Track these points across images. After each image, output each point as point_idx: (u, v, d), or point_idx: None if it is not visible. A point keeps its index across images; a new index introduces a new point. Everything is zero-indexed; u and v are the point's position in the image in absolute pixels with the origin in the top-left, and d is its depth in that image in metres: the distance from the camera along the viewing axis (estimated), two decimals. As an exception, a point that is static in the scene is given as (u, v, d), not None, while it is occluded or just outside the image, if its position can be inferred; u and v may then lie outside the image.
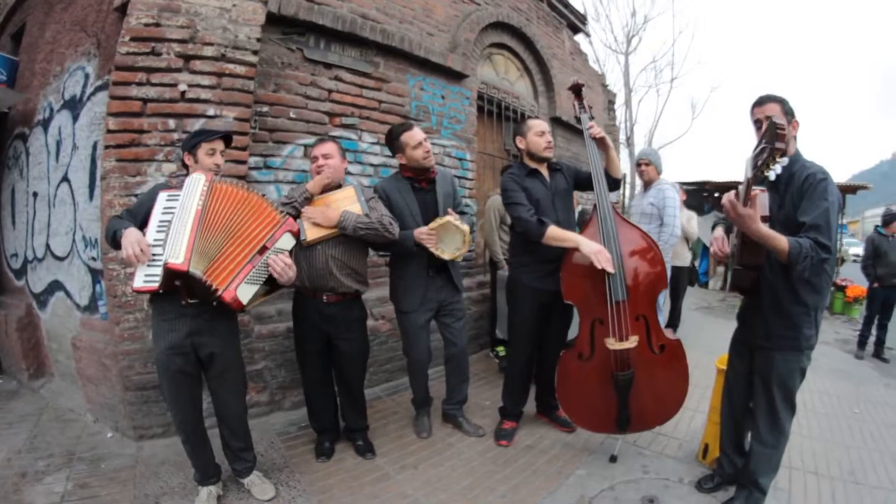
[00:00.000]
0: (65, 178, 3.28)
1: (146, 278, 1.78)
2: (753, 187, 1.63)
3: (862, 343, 5.28)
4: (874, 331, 5.24)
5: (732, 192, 1.73)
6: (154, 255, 1.78)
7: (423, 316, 2.69)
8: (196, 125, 2.57)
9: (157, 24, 2.45)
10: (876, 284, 5.22)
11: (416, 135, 2.56)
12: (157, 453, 2.50)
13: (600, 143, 2.54)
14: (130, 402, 2.56)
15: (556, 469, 2.50)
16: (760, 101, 2.00)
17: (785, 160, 1.47)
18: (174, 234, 1.78)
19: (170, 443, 2.57)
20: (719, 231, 2.22)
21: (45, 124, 3.59)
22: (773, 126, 1.47)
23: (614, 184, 2.62)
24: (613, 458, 2.56)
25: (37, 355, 3.66)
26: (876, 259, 5.19)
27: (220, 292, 1.81)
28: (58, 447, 2.58)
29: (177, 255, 1.74)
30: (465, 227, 2.52)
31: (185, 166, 2.07)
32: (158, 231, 1.82)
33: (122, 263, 2.47)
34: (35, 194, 3.72)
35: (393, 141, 2.62)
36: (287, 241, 2.02)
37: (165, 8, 2.48)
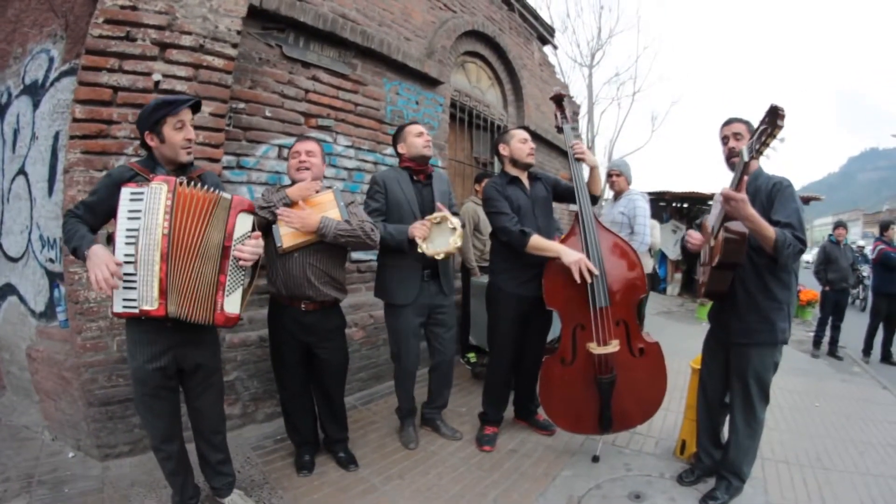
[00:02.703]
0: (21, 171, 3.04)
1: (125, 304, 1.61)
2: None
3: (817, 343, 5.64)
4: (828, 331, 5.59)
5: (725, 187, 1.87)
6: (128, 275, 1.59)
7: (416, 319, 2.64)
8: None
9: (134, 8, 2.30)
10: (827, 288, 5.59)
11: (419, 126, 2.70)
12: (124, 474, 2.32)
13: (581, 160, 2.58)
14: (94, 419, 2.36)
15: (542, 471, 2.51)
16: (729, 122, 2.19)
17: (783, 139, 1.61)
18: (143, 270, 1.59)
19: (137, 462, 2.40)
20: (694, 233, 2.34)
21: (2, 111, 3.32)
22: (774, 108, 1.61)
23: (591, 200, 2.64)
24: (596, 458, 2.59)
25: (-15, 367, 3.36)
26: (827, 265, 5.58)
27: (210, 322, 1.69)
28: (14, 470, 2.35)
29: (150, 299, 1.57)
30: (459, 226, 2.49)
31: (147, 148, 1.78)
32: (128, 241, 1.61)
33: (86, 267, 2.30)
34: (-13, 188, 3.43)
35: (398, 133, 2.73)
36: (244, 224, 1.80)
37: (144, -10, 2.33)
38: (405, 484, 2.36)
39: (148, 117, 1.73)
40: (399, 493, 2.28)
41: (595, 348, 2.36)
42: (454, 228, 2.47)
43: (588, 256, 2.36)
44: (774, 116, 1.60)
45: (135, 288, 1.60)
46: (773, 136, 1.62)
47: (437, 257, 2.49)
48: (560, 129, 2.74)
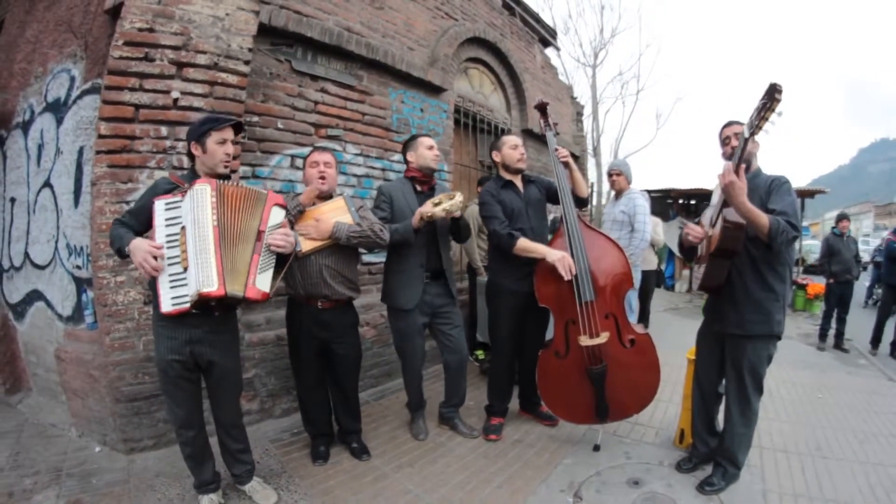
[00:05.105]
0: (47, 184, 3.19)
1: (174, 301, 1.77)
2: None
3: (823, 336, 5.65)
4: (833, 324, 5.62)
5: (728, 163, 1.96)
6: (173, 275, 1.77)
7: (420, 319, 2.75)
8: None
9: (151, 30, 2.45)
10: (831, 280, 5.64)
11: (431, 140, 2.83)
12: (149, 466, 2.46)
13: (565, 164, 2.71)
14: (121, 415, 2.52)
15: (545, 460, 2.62)
16: (730, 123, 2.30)
17: (780, 113, 1.70)
18: (198, 257, 1.75)
19: (162, 455, 2.55)
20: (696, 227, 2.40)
21: (25, 127, 3.47)
22: (773, 85, 1.69)
23: (579, 202, 2.77)
24: (597, 447, 2.70)
25: (13, 369, 3.54)
26: (831, 257, 5.62)
27: (242, 293, 1.82)
28: (43, 464, 2.50)
29: (209, 282, 1.73)
30: (458, 194, 2.60)
31: (192, 157, 1.99)
32: (170, 245, 1.79)
33: (113, 272, 2.46)
34: (13, 200, 3.60)
35: (409, 141, 2.85)
36: (277, 216, 2.01)
37: (160, 14, 2.48)
38: (415, 471, 2.48)
39: (196, 129, 1.96)
40: (409, 480, 2.40)
41: (585, 340, 2.48)
42: (453, 196, 2.59)
43: (572, 255, 2.49)
44: (772, 92, 1.69)
45: (184, 284, 1.77)
46: (771, 109, 1.70)
47: (452, 210, 2.54)
48: (544, 135, 2.89)
